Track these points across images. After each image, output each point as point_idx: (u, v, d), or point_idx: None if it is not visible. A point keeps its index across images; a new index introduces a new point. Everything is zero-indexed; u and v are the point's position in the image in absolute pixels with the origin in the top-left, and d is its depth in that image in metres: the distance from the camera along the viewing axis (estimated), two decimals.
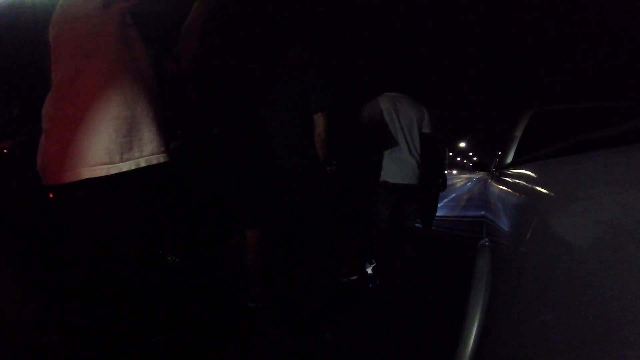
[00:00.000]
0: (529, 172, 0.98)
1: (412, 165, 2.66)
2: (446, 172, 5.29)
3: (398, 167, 2.66)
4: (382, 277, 2.78)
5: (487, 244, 1.22)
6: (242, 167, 2.35)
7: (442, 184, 4.44)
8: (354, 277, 2.99)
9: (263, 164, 2.01)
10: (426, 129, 2.72)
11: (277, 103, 1.91)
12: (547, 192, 0.73)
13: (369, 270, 3.21)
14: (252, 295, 2.50)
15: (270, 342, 2.00)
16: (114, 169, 1.26)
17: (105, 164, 1.26)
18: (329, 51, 3.60)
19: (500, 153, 2.82)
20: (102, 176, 1.27)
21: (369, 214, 2.81)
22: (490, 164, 3.60)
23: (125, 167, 1.28)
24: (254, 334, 2.16)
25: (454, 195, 14.47)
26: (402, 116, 2.66)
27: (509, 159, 2.37)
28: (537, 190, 0.80)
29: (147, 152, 1.33)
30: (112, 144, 1.27)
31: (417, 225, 3.59)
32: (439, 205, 5.08)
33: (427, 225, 4.39)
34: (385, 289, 2.73)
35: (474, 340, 0.99)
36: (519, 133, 2.50)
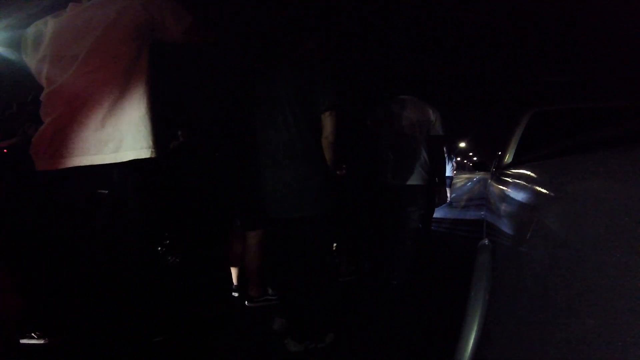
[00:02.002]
0: (529, 172, 0.97)
1: (413, 165, 2.67)
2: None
3: (398, 168, 2.67)
4: (382, 277, 2.78)
5: (487, 244, 1.21)
6: (242, 167, 2.35)
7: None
8: (353, 277, 2.99)
9: (263, 165, 1.98)
10: (435, 132, 2.71)
11: (279, 101, 1.85)
12: (547, 192, 0.72)
13: (369, 271, 3.21)
14: (251, 295, 2.50)
15: (270, 342, 2.00)
16: (98, 160, 1.33)
17: (94, 154, 1.33)
18: (333, 49, 3.60)
19: (500, 153, 2.81)
20: (100, 172, 1.31)
21: (370, 214, 2.81)
22: (490, 163, 3.60)
23: (109, 159, 1.33)
24: (254, 334, 2.16)
25: (454, 195, 14.45)
26: (404, 118, 2.67)
27: (509, 159, 2.36)
28: (537, 190, 0.80)
29: (137, 146, 1.37)
30: (102, 136, 1.34)
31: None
32: None
33: (426, 225, 4.39)
34: (385, 289, 2.73)
35: (474, 340, 0.98)
36: (519, 133, 2.49)
